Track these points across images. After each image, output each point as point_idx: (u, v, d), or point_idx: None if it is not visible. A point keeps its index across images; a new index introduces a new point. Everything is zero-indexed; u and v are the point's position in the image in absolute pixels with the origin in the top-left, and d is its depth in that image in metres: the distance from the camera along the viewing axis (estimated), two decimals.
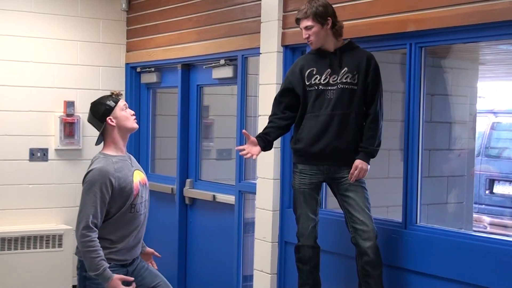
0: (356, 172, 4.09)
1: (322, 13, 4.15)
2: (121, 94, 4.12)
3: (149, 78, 7.14)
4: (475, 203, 8.19)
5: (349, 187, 4.17)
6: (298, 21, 4.26)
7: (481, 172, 9.39)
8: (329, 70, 4.18)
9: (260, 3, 5.34)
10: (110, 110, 3.97)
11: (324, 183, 4.39)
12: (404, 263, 4.25)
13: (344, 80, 4.13)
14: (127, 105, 4.08)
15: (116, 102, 4.00)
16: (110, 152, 3.98)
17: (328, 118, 4.15)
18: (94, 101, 4.08)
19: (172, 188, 6.69)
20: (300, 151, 4.29)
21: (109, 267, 3.85)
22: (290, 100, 4.33)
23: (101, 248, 3.78)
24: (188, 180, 6.52)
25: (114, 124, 3.96)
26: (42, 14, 6.91)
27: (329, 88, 4.17)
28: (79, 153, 7.09)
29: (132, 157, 4.16)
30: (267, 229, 5.22)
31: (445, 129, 5.91)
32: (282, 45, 5.15)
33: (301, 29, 4.26)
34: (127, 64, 7.33)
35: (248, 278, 5.65)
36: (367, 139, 4.14)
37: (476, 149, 8.44)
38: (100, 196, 3.80)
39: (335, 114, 4.14)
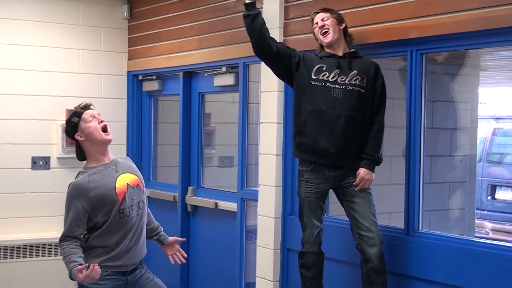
0: (362, 183, 4.11)
1: (339, 15, 4.30)
2: (89, 104, 4.05)
3: (151, 86, 7.14)
4: (477, 209, 8.19)
5: (355, 193, 4.17)
6: (315, 14, 4.33)
7: (483, 178, 9.39)
8: (338, 70, 4.17)
9: (262, 11, 5.35)
10: (75, 126, 3.95)
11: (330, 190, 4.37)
12: (407, 269, 4.25)
13: (354, 82, 4.14)
14: (95, 114, 3.98)
15: (80, 116, 3.96)
16: (91, 164, 3.98)
17: (334, 117, 4.12)
18: (66, 119, 4.11)
19: (174, 196, 6.70)
20: (304, 146, 4.25)
21: (107, 275, 3.87)
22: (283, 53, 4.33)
23: (70, 253, 3.77)
24: (190, 188, 6.53)
25: (84, 139, 3.95)
26: (44, 22, 6.93)
27: (337, 86, 4.14)
28: (80, 162, 7.06)
29: (121, 160, 4.11)
30: (269, 236, 5.22)
31: (446, 135, 5.92)
32: None
33: (314, 24, 4.31)
34: (128, 72, 7.34)
35: (251, 285, 5.64)
36: (373, 146, 4.15)
37: (478, 155, 8.44)
38: (75, 210, 3.84)
39: (342, 114, 4.11)
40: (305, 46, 4.95)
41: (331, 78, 4.16)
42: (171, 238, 4.36)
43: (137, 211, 4.00)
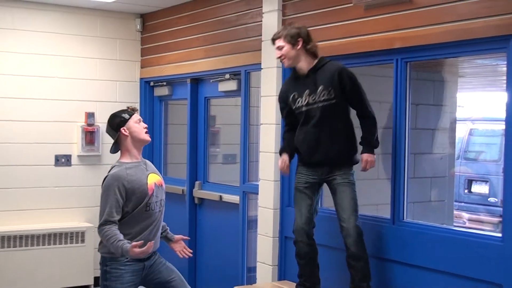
0: (367, 165, 4.08)
1: (293, 35, 4.12)
2: (137, 109, 4.15)
3: (161, 91, 7.15)
4: (455, 201, 8.17)
5: (338, 187, 4.14)
6: (272, 42, 4.25)
7: (460, 174, 9.40)
8: (307, 90, 4.13)
9: (261, 24, 5.36)
10: (124, 121, 4.01)
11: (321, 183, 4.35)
12: (392, 255, 4.26)
13: (322, 98, 4.08)
14: (141, 119, 4.11)
15: (131, 115, 4.03)
16: (125, 160, 4.03)
17: (317, 133, 4.12)
18: (112, 114, 4.11)
19: (182, 190, 6.71)
20: (300, 157, 4.31)
21: (127, 261, 3.91)
22: (290, 115, 4.34)
23: (115, 234, 3.80)
24: (197, 182, 6.54)
25: (127, 134, 4.00)
26: (66, 35, 6.94)
27: (311, 107, 4.12)
28: (98, 159, 7.10)
29: (148, 162, 4.19)
30: (268, 226, 5.23)
31: (428, 135, 5.91)
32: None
33: (275, 49, 4.25)
34: (141, 79, 7.34)
35: (252, 270, 5.64)
36: (367, 132, 4.11)
37: (456, 153, 8.45)
38: (115, 197, 3.85)
39: (323, 129, 4.11)
40: None
41: (304, 102, 4.14)
42: (177, 236, 4.36)
43: (159, 208, 4.06)
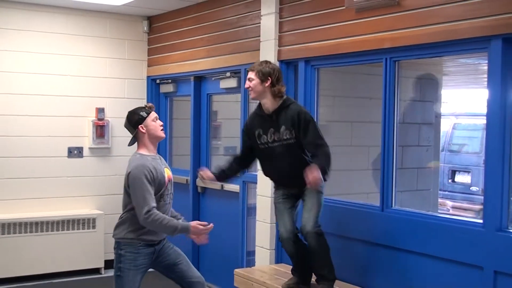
0: (312, 179, 3.81)
1: (265, 72, 4.10)
2: (154, 107, 4.13)
3: (167, 88, 7.14)
4: (440, 190, 8.18)
5: (307, 192, 4.11)
6: (246, 72, 4.25)
7: (444, 165, 9.41)
8: (272, 129, 4.13)
9: (260, 26, 5.36)
10: (142, 119, 4.00)
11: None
12: (382, 240, 4.27)
13: (285, 137, 4.09)
14: (157, 117, 4.10)
15: (148, 114, 4.02)
16: (144, 152, 4.02)
17: (281, 168, 4.15)
18: (131, 111, 4.10)
19: (186, 179, 6.71)
20: (274, 182, 4.38)
21: (140, 246, 3.93)
22: (247, 149, 4.35)
23: (164, 216, 3.85)
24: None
25: (145, 131, 4.00)
26: (78, 36, 6.93)
27: (275, 144, 4.13)
28: (108, 151, 7.10)
29: (161, 157, 4.20)
30: (266, 213, 5.23)
31: (415, 129, 5.90)
32: (278, 60, 5.15)
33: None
34: (148, 76, 7.33)
35: (251, 253, 5.65)
36: (315, 159, 4.00)
37: (441, 145, 8.45)
38: (146, 186, 3.84)
39: (285, 164, 4.12)
40: (296, 54, 4.99)
41: (270, 139, 4.14)
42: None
43: (169, 200, 4.08)
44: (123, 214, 4.02)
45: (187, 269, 4.15)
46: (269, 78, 4.11)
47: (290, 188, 4.23)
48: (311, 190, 4.05)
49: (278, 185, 4.34)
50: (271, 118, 4.15)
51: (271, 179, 4.39)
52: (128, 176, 3.92)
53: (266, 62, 4.22)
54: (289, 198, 4.24)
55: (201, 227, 3.92)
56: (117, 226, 4.03)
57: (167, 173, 4.07)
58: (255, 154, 4.35)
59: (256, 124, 4.25)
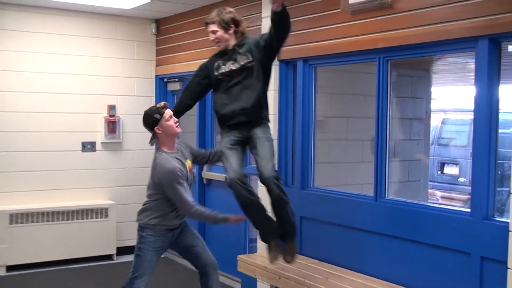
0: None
1: (227, 20, 3.95)
2: (167, 105, 4.08)
3: (174, 86, 7.14)
4: (430, 181, 8.20)
5: (258, 141, 3.87)
6: (206, 24, 4.02)
7: (434, 157, 9.42)
8: (231, 60, 3.98)
9: (261, 27, 5.35)
10: (156, 122, 4.01)
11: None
12: (376, 228, 4.27)
13: (242, 63, 3.93)
14: (171, 114, 4.05)
15: (162, 114, 4.01)
16: (166, 149, 4.06)
17: (236, 99, 3.93)
18: (146, 112, 4.08)
19: (193, 172, 6.69)
20: (222, 120, 4.05)
21: (160, 230, 4.05)
22: (194, 85, 4.17)
23: (205, 207, 4.05)
24: (205, 165, 6.55)
25: (161, 132, 4.02)
26: (90, 37, 6.94)
27: (233, 71, 3.94)
28: (119, 145, 7.11)
29: (181, 149, 4.15)
30: (267, 202, 5.20)
31: (407, 124, 5.90)
32: (278, 60, 5.13)
33: (208, 32, 4.04)
34: (156, 75, 7.33)
35: (253, 240, 5.68)
36: None
37: (431, 139, 8.47)
38: (183, 186, 3.95)
39: (241, 94, 3.92)
40: (295, 54, 4.98)
41: (228, 69, 3.97)
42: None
43: (190, 186, 4.14)
44: (146, 201, 4.12)
45: (202, 252, 4.26)
46: (232, 24, 3.97)
47: (242, 129, 3.94)
48: (262, 137, 3.86)
49: (229, 125, 3.99)
50: (232, 50, 4.00)
51: (224, 119, 4.01)
52: (159, 175, 3.97)
53: (221, 9, 4.02)
54: (237, 144, 3.95)
55: (234, 217, 4.11)
56: (140, 212, 4.13)
57: (188, 164, 4.13)
58: (204, 90, 4.16)
59: (217, 58, 4.07)
